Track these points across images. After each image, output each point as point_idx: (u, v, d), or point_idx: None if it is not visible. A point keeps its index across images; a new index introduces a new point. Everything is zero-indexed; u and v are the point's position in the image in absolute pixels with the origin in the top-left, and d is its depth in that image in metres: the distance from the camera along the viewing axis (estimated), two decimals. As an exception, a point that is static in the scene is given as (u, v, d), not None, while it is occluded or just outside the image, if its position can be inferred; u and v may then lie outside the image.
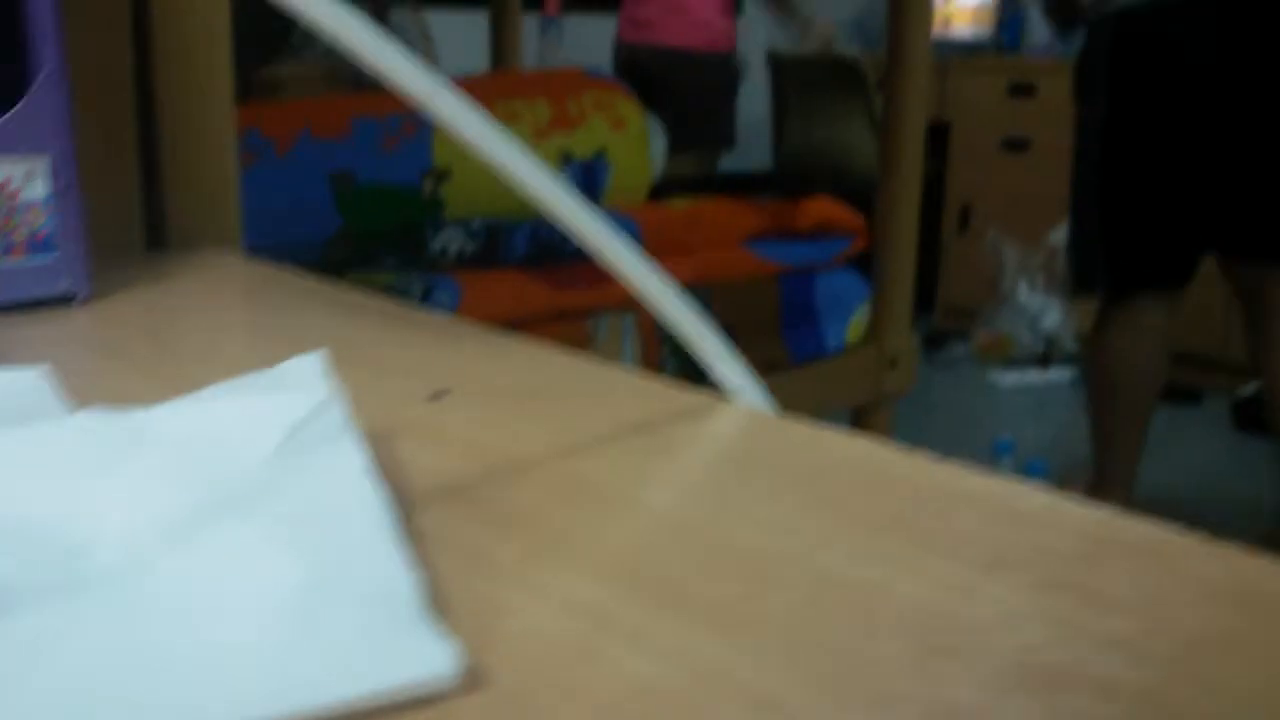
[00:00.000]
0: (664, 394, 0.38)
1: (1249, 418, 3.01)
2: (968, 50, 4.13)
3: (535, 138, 1.14)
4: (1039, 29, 3.95)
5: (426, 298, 1.04)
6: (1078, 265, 2.24)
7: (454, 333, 0.47)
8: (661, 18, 3.23)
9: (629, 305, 1.13)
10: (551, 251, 1.11)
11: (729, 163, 3.64)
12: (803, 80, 3.88)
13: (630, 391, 0.38)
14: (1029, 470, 2.64)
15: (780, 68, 3.97)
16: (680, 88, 3.19)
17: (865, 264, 1.47)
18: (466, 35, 2.78)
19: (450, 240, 1.10)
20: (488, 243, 1.07)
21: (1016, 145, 3.78)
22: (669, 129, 3.01)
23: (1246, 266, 2.08)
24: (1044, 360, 3.57)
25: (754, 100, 4.36)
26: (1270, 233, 2.02)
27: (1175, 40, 2.01)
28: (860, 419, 1.46)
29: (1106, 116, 2.11)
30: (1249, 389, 3.07)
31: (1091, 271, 2.19)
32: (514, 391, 0.39)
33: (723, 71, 3.31)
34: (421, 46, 2.45)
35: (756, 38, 4.54)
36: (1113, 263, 2.16)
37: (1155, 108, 2.06)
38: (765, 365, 1.38)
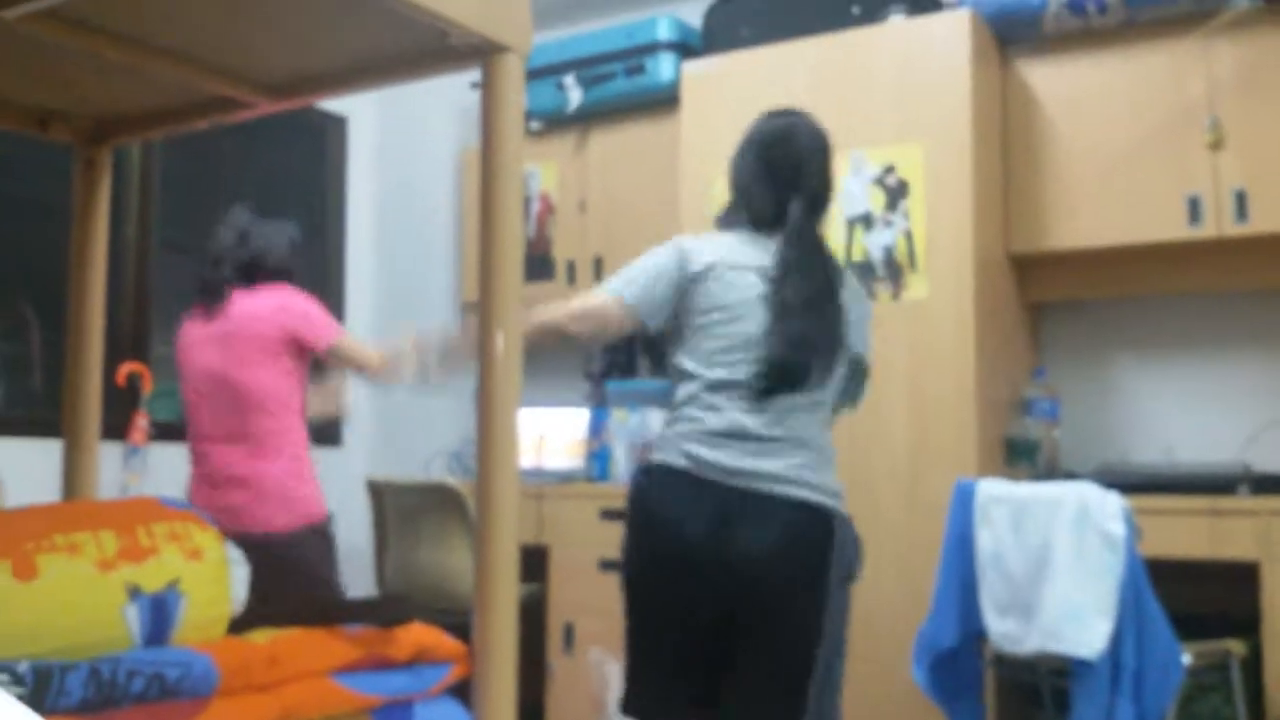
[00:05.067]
0: None
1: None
2: (562, 479, 4.34)
3: (100, 570, 1.06)
4: (624, 461, 4.24)
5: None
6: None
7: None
8: (253, 504, 2.99)
9: (203, 751, 1.03)
10: (115, 695, 1.00)
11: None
12: (403, 507, 3.91)
13: None
14: None
15: (379, 494, 4.00)
16: (287, 571, 2.93)
17: (468, 691, 1.44)
18: (41, 464, 2.61)
19: (-9, 689, 0.97)
20: (36, 688, 0.96)
21: (612, 565, 3.93)
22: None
23: None
24: (653, 780, 3.54)
25: (354, 530, 4.33)
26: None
27: (674, 510, 2.22)
28: None
29: (631, 556, 2.29)
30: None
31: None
32: None
33: (323, 541, 3.12)
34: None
35: (354, 466, 4.59)
36: (632, 691, 2.29)
37: (662, 567, 2.24)
38: (359, 809, 1.28)
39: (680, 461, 2.22)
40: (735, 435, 2.20)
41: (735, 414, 2.21)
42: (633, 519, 2.28)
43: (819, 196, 2.37)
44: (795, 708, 2.16)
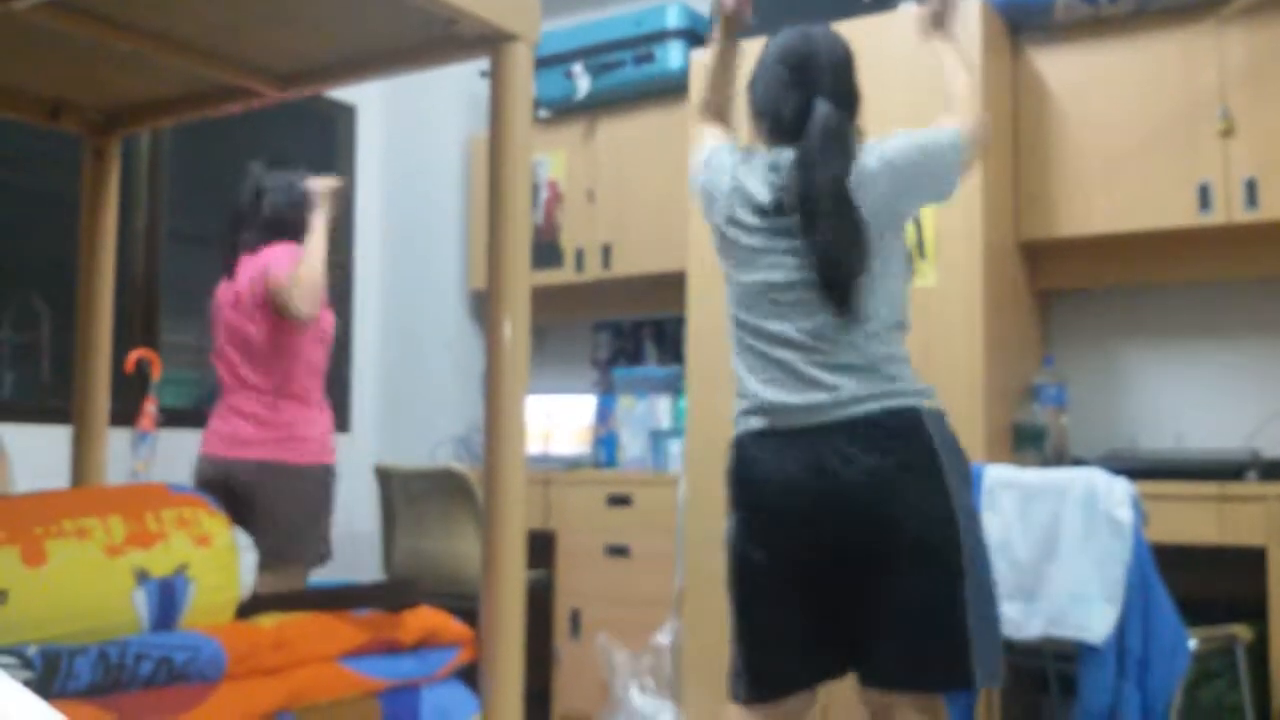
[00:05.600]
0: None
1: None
2: (569, 464, 4.35)
3: (108, 555, 1.07)
4: (632, 445, 4.24)
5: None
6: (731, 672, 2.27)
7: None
8: (258, 432, 3.15)
9: (212, 734, 1.04)
10: (123, 678, 1.01)
11: (336, 576, 3.54)
12: (411, 492, 3.93)
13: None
14: None
15: (388, 480, 4.01)
16: (278, 502, 3.10)
17: (474, 675, 1.45)
18: (50, 450, 2.63)
19: None
20: (44, 672, 0.97)
21: (618, 551, 3.94)
22: (266, 544, 2.90)
23: (873, 692, 2.16)
24: (660, 765, 3.56)
25: (361, 515, 4.35)
26: (890, 664, 2.10)
27: (764, 466, 2.18)
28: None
29: (732, 532, 2.24)
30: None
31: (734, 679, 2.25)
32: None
33: (309, 484, 3.20)
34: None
35: (362, 452, 4.60)
36: (740, 673, 2.23)
37: (767, 530, 2.19)
38: (367, 791, 1.29)
39: (757, 424, 2.20)
40: (791, 381, 2.18)
41: (788, 357, 2.19)
42: (731, 493, 2.25)
43: (845, 96, 2.34)
44: (954, 635, 2.06)
